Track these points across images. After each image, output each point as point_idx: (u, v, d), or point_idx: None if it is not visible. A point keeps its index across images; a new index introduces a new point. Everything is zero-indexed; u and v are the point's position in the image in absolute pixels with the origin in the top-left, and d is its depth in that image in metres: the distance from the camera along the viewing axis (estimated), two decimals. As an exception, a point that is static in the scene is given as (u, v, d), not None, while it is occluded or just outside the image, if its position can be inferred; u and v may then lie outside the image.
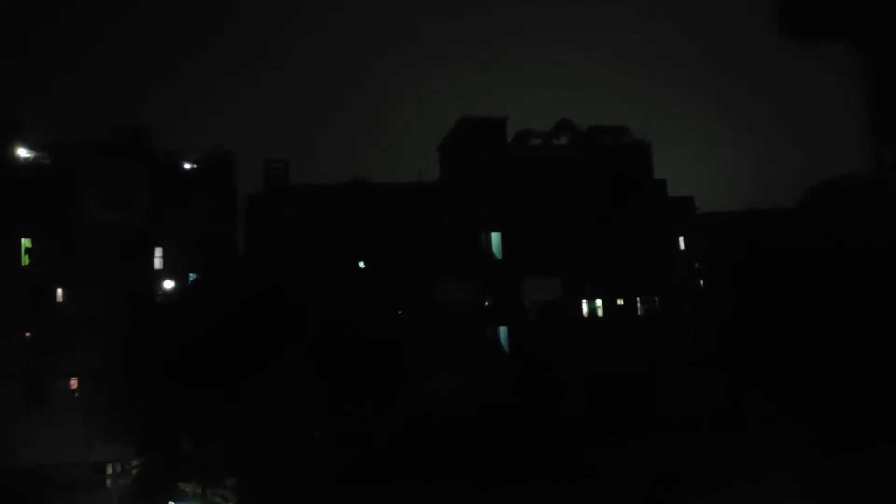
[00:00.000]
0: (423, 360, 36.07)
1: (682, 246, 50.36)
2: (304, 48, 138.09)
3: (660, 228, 46.34)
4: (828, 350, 33.58)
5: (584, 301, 45.11)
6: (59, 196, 41.10)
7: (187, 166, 43.92)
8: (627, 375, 38.13)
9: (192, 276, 40.96)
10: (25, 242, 40.97)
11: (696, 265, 50.01)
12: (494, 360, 41.80)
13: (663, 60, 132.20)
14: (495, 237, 44.68)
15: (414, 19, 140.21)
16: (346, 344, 33.39)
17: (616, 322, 44.88)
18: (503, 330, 43.80)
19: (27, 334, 39.89)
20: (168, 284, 42.03)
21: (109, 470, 38.88)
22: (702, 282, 49.82)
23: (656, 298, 45.73)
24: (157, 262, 42.23)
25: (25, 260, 40.88)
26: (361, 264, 40.85)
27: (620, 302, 45.40)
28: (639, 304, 45.78)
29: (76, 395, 39.73)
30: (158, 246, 42.21)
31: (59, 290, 40.71)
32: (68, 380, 39.79)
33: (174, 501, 34.50)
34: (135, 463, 36.69)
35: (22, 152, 41.98)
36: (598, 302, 45.42)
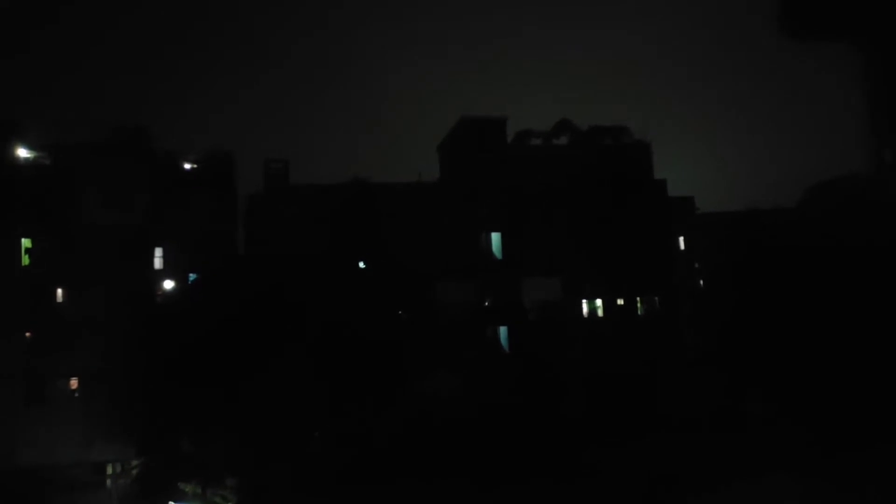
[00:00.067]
0: (423, 360, 36.07)
1: (682, 246, 50.35)
2: (304, 48, 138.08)
3: (660, 228, 46.35)
4: (828, 350, 33.59)
5: (584, 301, 45.12)
6: (59, 196, 41.10)
7: (187, 166, 43.92)
8: (627, 375, 38.13)
9: (192, 276, 40.94)
10: (25, 242, 40.97)
11: (696, 265, 50.00)
12: (494, 360, 41.80)
13: (663, 60, 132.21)
14: (495, 237, 44.69)
15: (414, 19, 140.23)
16: (346, 344, 33.39)
17: (616, 322, 44.88)
18: (503, 330, 43.80)
19: (27, 334, 39.88)
20: (168, 284, 42.03)
21: (109, 470, 38.87)
22: (702, 282, 49.81)
23: (656, 298, 45.73)
24: (157, 262, 42.23)
25: (25, 260, 40.88)
26: (361, 264, 40.86)
27: (620, 302, 45.40)
28: (639, 304, 45.78)
29: (76, 395, 39.73)
30: (158, 246, 42.21)
31: (59, 290, 40.70)
32: (68, 380, 39.78)
33: (174, 501, 34.50)
34: (135, 463, 36.67)
35: (22, 152, 41.98)
36: (598, 302, 45.42)
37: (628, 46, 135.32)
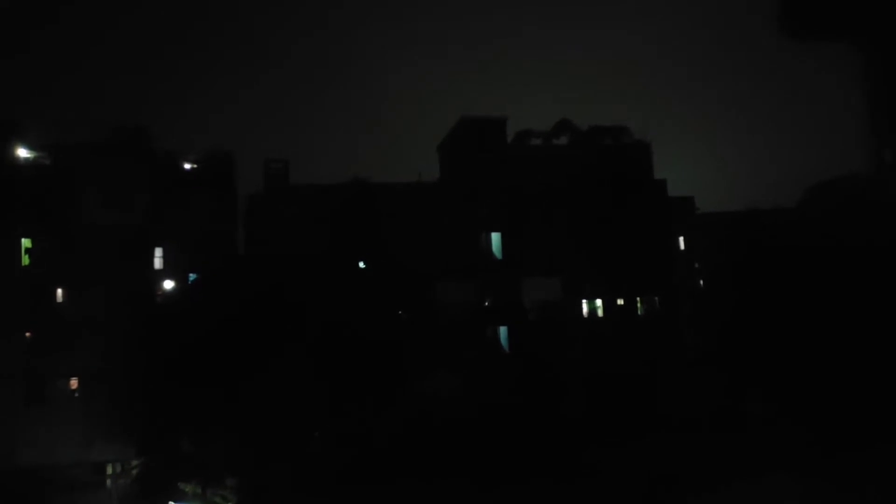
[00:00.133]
0: (423, 360, 36.07)
1: (682, 246, 50.36)
2: (304, 48, 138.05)
3: (660, 228, 46.36)
4: (828, 350, 33.59)
5: (584, 301, 45.12)
6: (59, 196, 41.11)
7: (187, 166, 43.93)
8: (627, 375, 38.13)
9: (192, 276, 40.95)
10: (25, 242, 40.97)
11: (696, 265, 50.01)
12: (494, 360, 41.80)
13: (663, 60, 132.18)
14: (495, 237, 44.69)
15: (414, 19, 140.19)
16: (346, 344, 33.39)
17: (616, 322, 44.89)
18: (503, 330, 43.80)
19: (27, 334, 39.89)
20: (168, 284, 42.03)
21: (109, 470, 38.87)
22: (702, 282, 49.81)
23: (656, 298, 45.74)
24: (157, 262, 42.24)
25: (25, 260, 40.89)
26: (361, 264, 40.86)
27: (620, 302, 45.40)
28: (639, 304, 45.79)
29: (76, 395, 39.73)
30: (158, 246, 42.22)
31: (59, 290, 40.70)
32: (68, 380, 39.79)
33: (174, 501, 34.50)
34: (135, 463, 36.67)
35: (22, 152, 41.98)
36: (598, 302, 45.42)
37: (628, 46, 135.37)
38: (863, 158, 41.80)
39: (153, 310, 39.66)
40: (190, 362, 32.53)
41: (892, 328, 33.06)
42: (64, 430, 38.07)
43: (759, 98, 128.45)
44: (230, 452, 33.22)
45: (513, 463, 31.96)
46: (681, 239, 50.25)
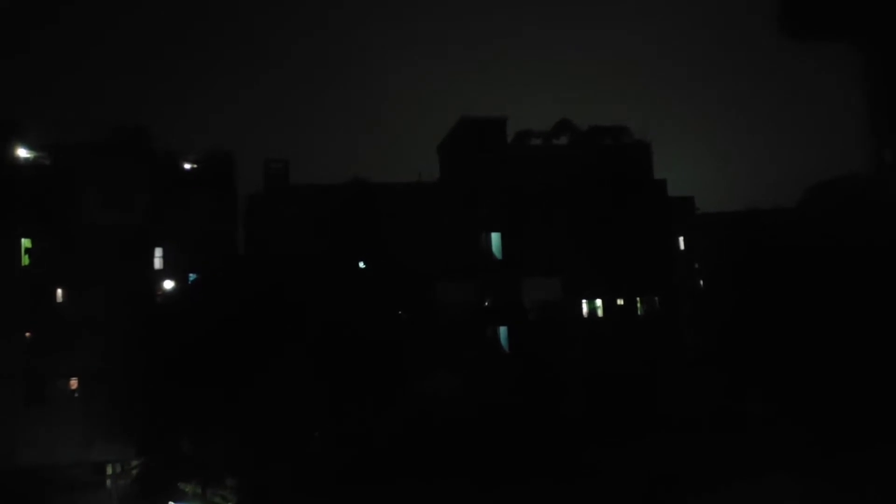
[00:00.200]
0: (423, 360, 36.07)
1: (682, 246, 50.36)
2: (304, 48, 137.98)
3: (660, 228, 46.36)
4: (828, 350, 33.59)
5: (584, 301, 45.12)
6: (59, 196, 41.11)
7: (187, 166, 43.93)
8: (627, 375, 38.13)
9: (192, 276, 40.95)
10: (25, 242, 40.97)
11: (696, 265, 50.01)
12: (494, 360, 41.81)
13: (663, 60, 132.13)
14: (495, 237, 44.69)
15: (414, 19, 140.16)
16: (346, 344, 33.40)
17: (616, 322, 44.89)
18: (503, 330, 43.80)
19: (27, 334, 39.89)
20: (168, 284, 42.04)
21: (109, 470, 38.87)
22: (702, 282, 49.82)
23: (656, 298, 45.75)
24: (157, 262, 42.24)
25: (25, 260, 40.89)
26: (361, 264, 40.86)
27: (620, 302, 45.41)
28: (639, 304, 45.80)
29: (76, 395, 39.73)
30: (158, 246, 42.22)
31: (59, 290, 40.71)
32: (68, 380, 39.79)
33: (174, 501, 34.51)
34: (135, 463, 36.70)
35: (22, 152, 41.99)
36: (598, 302, 45.43)
37: (628, 46, 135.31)
38: (863, 158, 41.80)
39: (153, 310, 39.66)
40: (190, 362, 32.53)
41: (892, 328, 33.06)
42: (64, 430, 38.06)
43: (759, 98, 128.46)
44: (230, 452, 33.22)
45: (513, 463, 31.96)
46: (681, 239, 50.25)
